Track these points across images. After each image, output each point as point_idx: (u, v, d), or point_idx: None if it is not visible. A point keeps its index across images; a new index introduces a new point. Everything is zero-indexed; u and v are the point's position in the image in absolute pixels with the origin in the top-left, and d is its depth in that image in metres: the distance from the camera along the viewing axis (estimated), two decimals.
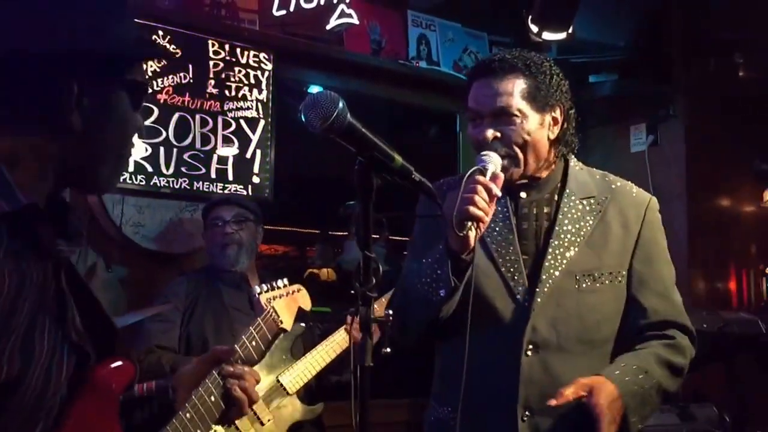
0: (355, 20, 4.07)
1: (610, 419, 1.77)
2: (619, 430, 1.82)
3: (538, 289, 1.93)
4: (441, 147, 4.97)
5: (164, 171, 3.62)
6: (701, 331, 3.39)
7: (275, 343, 2.99)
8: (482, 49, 4.76)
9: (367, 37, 4.32)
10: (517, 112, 1.96)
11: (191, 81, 3.72)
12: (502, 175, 1.87)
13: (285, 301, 2.29)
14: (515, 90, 1.97)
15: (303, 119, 1.39)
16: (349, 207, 4.18)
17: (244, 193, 3.82)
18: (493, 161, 1.87)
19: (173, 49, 3.64)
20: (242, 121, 3.87)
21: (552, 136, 2.02)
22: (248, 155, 3.88)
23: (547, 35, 4.12)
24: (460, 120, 4.78)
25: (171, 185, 3.64)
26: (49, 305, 1.13)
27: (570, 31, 4.11)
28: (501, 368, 1.92)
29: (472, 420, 1.89)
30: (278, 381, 2.99)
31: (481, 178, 1.80)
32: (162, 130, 3.62)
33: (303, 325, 3.13)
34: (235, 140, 3.83)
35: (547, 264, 1.95)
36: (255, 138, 3.90)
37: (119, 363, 1.27)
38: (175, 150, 3.66)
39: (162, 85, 3.63)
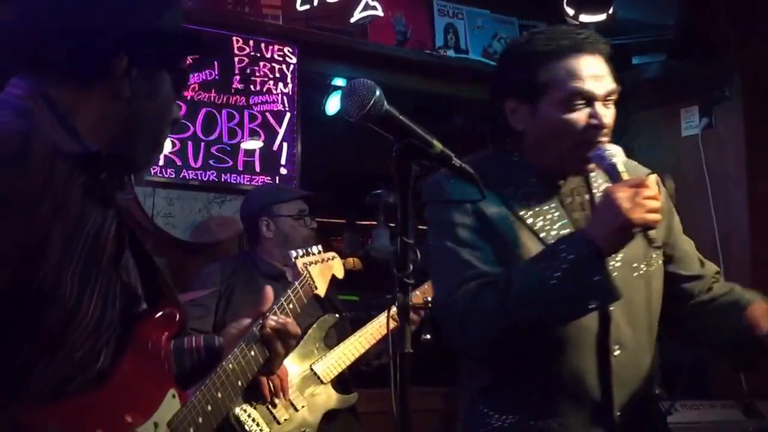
0: (379, 12, 4.09)
1: None
2: None
3: None
4: (472, 137, 4.93)
5: (192, 164, 3.70)
6: None
7: (308, 332, 3.03)
8: (513, 34, 4.65)
9: (392, 29, 4.32)
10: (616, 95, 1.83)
11: (217, 78, 3.79)
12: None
13: (320, 268, 2.28)
14: (610, 69, 1.82)
15: (341, 107, 1.39)
16: (375, 196, 4.19)
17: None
18: (619, 154, 1.74)
19: None
20: (268, 114, 3.92)
21: None
22: (275, 147, 3.93)
23: (585, 17, 3.91)
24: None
25: (199, 178, 3.73)
26: (106, 246, 1.29)
27: (610, 11, 3.88)
28: (587, 371, 1.78)
29: (563, 428, 1.77)
30: (312, 369, 3.01)
31: (652, 185, 1.68)
32: (189, 125, 3.70)
33: (336, 315, 3.15)
34: (262, 133, 3.89)
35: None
36: (281, 130, 3.95)
37: (168, 308, 1.46)
38: (202, 144, 3.74)
39: (188, 83, 3.67)
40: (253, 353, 1.68)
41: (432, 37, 4.46)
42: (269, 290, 1.81)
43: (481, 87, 4.59)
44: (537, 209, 1.84)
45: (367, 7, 4.05)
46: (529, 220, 1.82)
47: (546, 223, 1.83)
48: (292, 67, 3.99)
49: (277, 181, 3.90)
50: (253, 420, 2.81)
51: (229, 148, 3.80)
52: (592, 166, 1.83)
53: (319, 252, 2.32)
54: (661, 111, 4.64)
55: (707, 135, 4.36)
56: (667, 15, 4.02)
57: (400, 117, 1.39)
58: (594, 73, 1.79)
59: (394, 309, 1.43)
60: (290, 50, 3.99)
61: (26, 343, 1.19)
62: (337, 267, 2.41)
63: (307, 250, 2.29)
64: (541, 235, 1.81)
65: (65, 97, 1.30)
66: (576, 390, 1.78)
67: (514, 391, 1.82)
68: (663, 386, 2.84)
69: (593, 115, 1.78)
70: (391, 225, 3.82)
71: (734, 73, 4.26)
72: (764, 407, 3.39)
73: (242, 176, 3.83)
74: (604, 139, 1.80)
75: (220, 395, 1.58)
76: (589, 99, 1.79)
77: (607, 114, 1.80)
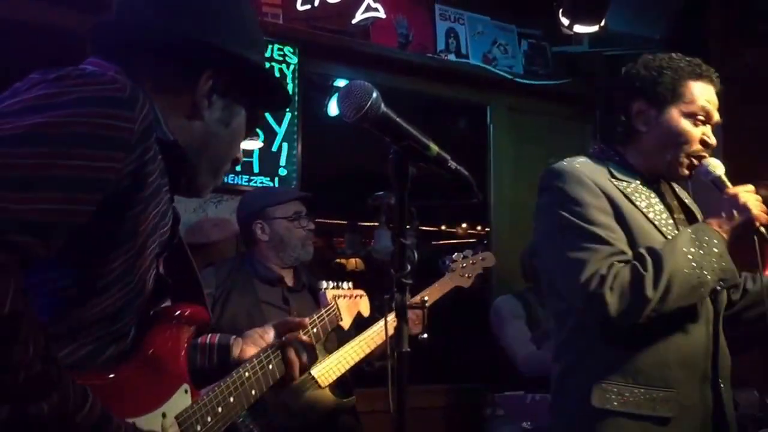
0: (381, 14, 4.10)
1: None
2: None
3: None
4: (471, 140, 4.98)
5: None
6: None
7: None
8: (512, 41, 4.76)
9: (393, 31, 4.33)
10: None
11: None
12: None
13: (347, 302, 2.41)
14: None
15: (338, 109, 1.40)
16: (377, 197, 4.18)
17: (271, 184, 3.86)
18: (720, 167, 2.10)
19: None
20: (267, 114, 3.90)
21: None
22: (274, 148, 3.92)
23: (579, 28, 4.10)
24: (491, 112, 4.80)
25: None
26: (162, 234, 1.33)
27: (602, 23, 4.06)
28: (702, 344, 2.02)
29: (680, 397, 1.97)
30: (310, 374, 2.99)
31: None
32: None
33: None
34: (260, 133, 3.87)
35: None
36: (281, 131, 3.94)
37: (196, 307, 1.51)
38: None
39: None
40: (271, 367, 1.73)
41: (433, 41, 4.49)
42: (307, 320, 1.95)
43: (481, 92, 4.66)
44: (647, 203, 2.07)
45: (368, 8, 4.06)
46: (644, 210, 2.05)
47: (658, 216, 2.06)
48: (292, 67, 3.98)
49: (277, 183, 3.89)
50: (248, 426, 2.81)
51: None
52: (692, 174, 2.13)
53: (349, 288, 2.46)
54: None
55: None
56: (654, 29, 4.25)
57: (397, 119, 1.41)
58: (715, 102, 2.16)
59: (391, 312, 1.44)
60: (291, 50, 3.98)
61: (87, 282, 1.21)
62: (363, 305, 2.53)
63: (338, 284, 2.42)
64: (655, 223, 2.04)
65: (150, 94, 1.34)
66: (692, 361, 2.00)
67: (641, 366, 1.98)
68: None
69: (706, 134, 2.12)
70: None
71: None
72: (738, 395, 3.37)
73: (240, 176, 3.81)
74: (705, 154, 2.12)
75: (232, 400, 1.61)
76: (707, 119, 2.13)
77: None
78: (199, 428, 1.48)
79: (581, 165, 2.09)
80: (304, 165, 4.05)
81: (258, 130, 3.85)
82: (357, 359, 3.05)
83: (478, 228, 6.54)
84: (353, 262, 5.10)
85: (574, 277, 1.93)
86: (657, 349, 1.98)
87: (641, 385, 1.96)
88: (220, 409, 1.56)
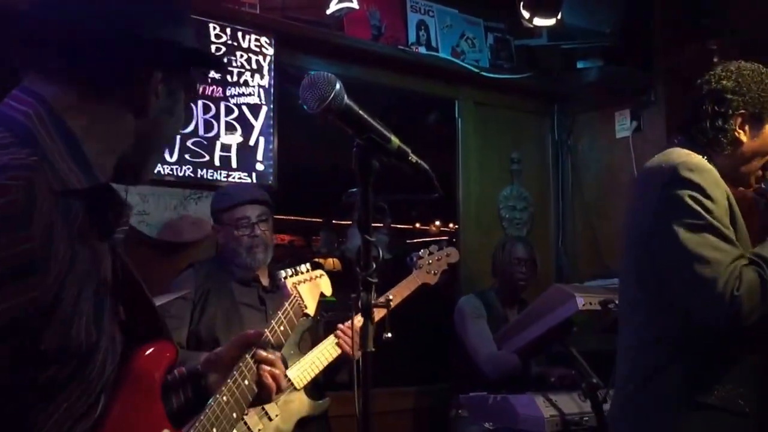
0: (354, 5, 4.06)
1: None
2: None
3: None
4: (440, 132, 5.00)
5: (168, 158, 3.57)
6: None
7: None
8: (478, 35, 4.83)
9: (367, 23, 4.31)
10: None
11: None
12: None
13: (308, 286, 2.29)
14: None
15: (300, 100, 1.38)
16: (351, 194, 4.13)
17: (249, 180, 3.79)
18: None
19: None
20: (245, 108, 3.83)
21: None
22: (251, 142, 3.84)
23: (538, 21, 4.26)
24: (459, 106, 4.83)
25: (175, 173, 3.60)
26: (108, 284, 1.22)
27: (558, 17, 4.20)
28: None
29: (752, 391, 2.07)
30: (286, 376, 2.95)
31: None
32: None
33: (310, 318, 3.08)
34: (238, 127, 3.80)
35: None
36: (258, 125, 3.86)
37: (161, 344, 1.37)
38: (178, 137, 3.59)
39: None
40: (246, 382, 1.65)
41: (405, 33, 4.50)
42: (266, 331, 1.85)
43: (450, 85, 4.70)
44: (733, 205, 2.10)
45: None
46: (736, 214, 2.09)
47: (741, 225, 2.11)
48: (268, 58, 3.91)
49: (254, 178, 3.81)
50: None
51: (205, 142, 3.69)
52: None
53: (308, 270, 2.33)
54: (599, 113, 5.04)
55: (637, 137, 4.74)
56: (604, 23, 4.38)
57: (360, 111, 1.42)
58: None
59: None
60: (267, 41, 3.90)
61: (21, 400, 1.08)
62: (324, 285, 2.41)
63: (295, 269, 2.30)
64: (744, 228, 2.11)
65: (81, 113, 1.19)
66: (754, 358, 2.09)
67: (728, 366, 2.06)
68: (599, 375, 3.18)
69: None
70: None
71: (658, 79, 4.63)
72: None
73: (219, 172, 3.72)
74: None
75: (215, 431, 1.56)
76: None
77: None
78: None
79: (705, 162, 2.13)
80: (281, 160, 3.97)
81: (235, 123, 3.79)
82: (330, 359, 3.00)
83: (451, 225, 6.57)
84: (331, 262, 5.03)
85: (708, 275, 1.95)
86: (738, 345, 2.06)
87: (731, 383, 2.04)
88: None
